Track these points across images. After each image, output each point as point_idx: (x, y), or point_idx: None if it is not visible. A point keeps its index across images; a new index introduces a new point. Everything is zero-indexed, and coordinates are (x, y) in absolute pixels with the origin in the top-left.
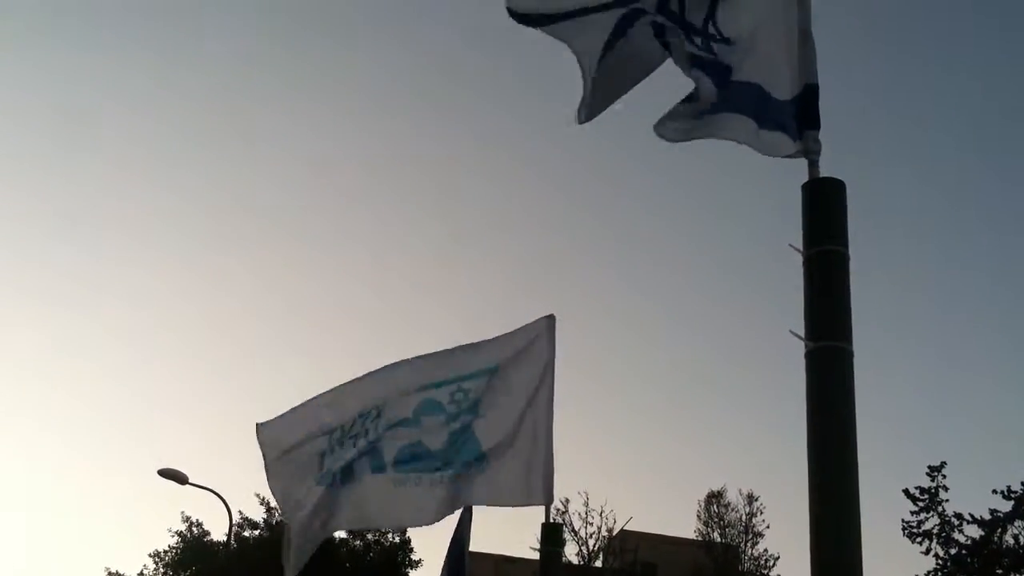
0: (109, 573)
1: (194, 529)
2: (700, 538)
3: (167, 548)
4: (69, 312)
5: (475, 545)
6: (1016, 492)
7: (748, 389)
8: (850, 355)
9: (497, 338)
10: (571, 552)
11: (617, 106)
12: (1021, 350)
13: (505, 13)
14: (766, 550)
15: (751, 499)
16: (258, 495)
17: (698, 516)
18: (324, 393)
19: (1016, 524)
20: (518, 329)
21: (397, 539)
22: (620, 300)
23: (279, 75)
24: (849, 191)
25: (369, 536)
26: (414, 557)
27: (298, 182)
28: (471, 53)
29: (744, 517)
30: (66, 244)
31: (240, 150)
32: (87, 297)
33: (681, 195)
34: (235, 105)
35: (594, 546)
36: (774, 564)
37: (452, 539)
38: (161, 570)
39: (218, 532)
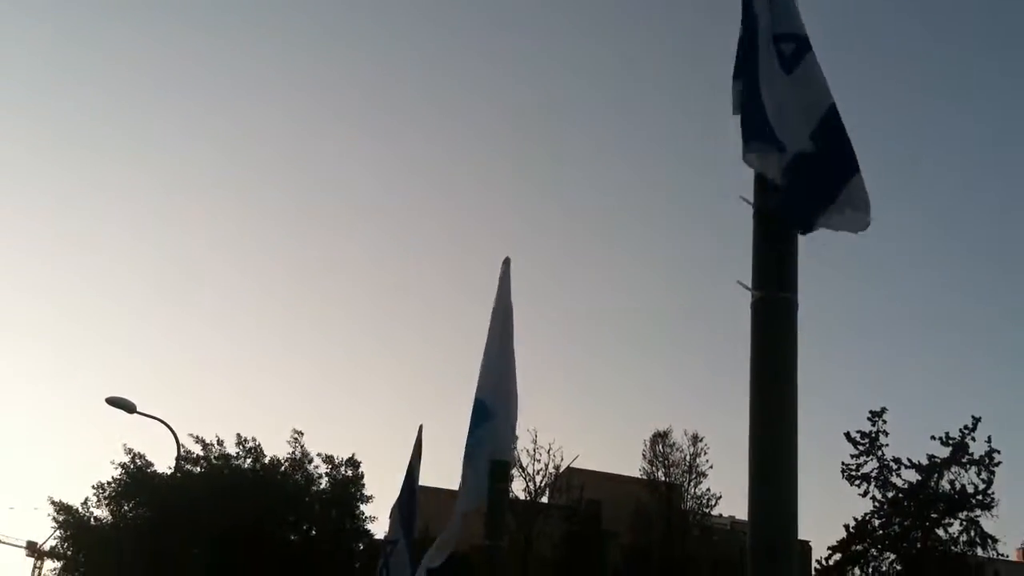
0: (52, 502)
1: (137, 460)
2: (645, 477)
3: (110, 480)
4: (19, 241)
5: (423, 479)
6: (954, 439)
7: (697, 334)
8: (795, 305)
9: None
10: (518, 488)
11: (573, 60)
12: (963, 302)
13: None
14: (708, 489)
15: (696, 440)
16: (192, 434)
17: (643, 455)
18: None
19: (953, 470)
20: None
21: (349, 473)
22: (574, 242)
23: None
24: None
25: (322, 470)
26: (366, 492)
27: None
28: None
29: (688, 457)
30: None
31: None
32: (41, 229)
33: (635, 143)
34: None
35: (541, 482)
36: (716, 503)
37: (406, 473)
38: (104, 501)
39: (161, 465)
